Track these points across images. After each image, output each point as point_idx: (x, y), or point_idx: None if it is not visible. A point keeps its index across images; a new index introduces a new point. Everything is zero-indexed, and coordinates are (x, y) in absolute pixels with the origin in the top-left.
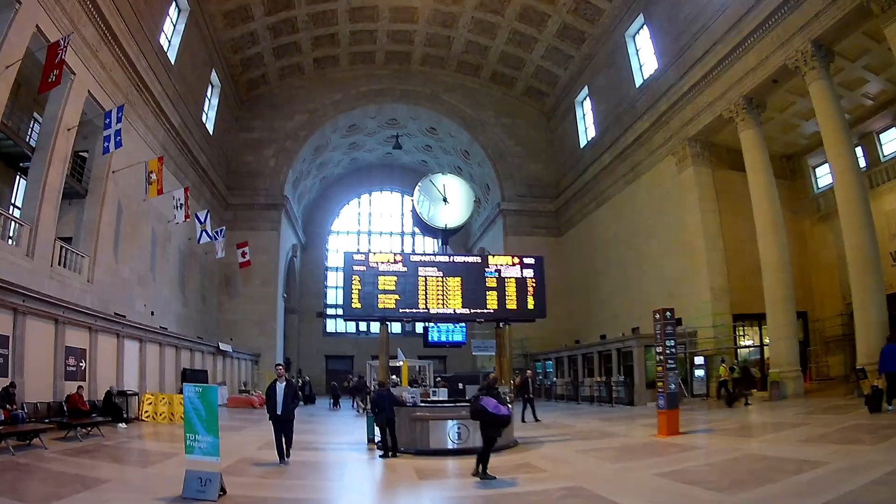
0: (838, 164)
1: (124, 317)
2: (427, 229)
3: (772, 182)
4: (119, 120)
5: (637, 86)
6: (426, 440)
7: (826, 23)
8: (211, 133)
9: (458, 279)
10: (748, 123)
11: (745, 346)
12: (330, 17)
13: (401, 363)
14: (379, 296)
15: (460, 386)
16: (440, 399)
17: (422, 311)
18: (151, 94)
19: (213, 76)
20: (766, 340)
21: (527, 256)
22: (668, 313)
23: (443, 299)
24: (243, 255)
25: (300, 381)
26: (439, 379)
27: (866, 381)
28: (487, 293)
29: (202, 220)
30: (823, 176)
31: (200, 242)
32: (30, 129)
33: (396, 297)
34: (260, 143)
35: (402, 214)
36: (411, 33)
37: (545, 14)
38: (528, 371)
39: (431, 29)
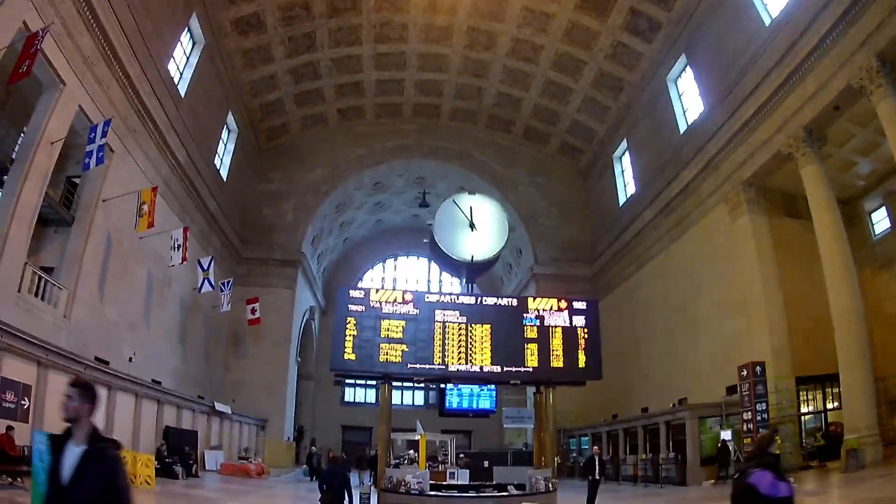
0: None
1: (108, 363)
2: (447, 263)
3: (839, 222)
4: (104, 135)
5: (681, 132)
6: None
7: (889, 33)
8: (225, 180)
9: (488, 327)
10: (809, 158)
11: (808, 412)
12: (354, 63)
13: (418, 437)
14: (381, 345)
15: (486, 465)
16: (459, 484)
17: (438, 367)
18: (155, 123)
19: (230, 119)
20: (831, 405)
21: (577, 299)
22: (757, 368)
23: (466, 353)
24: (253, 311)
25: (311, 452)
26: (462, 455)
27: None
28: (526, 346)
29: (205, 268)
30: (881, 221)
31: (201, 291)
32: (16, 144)
33: (404, 347)
34: (278, 195)
35: (429, 281)
36: (440, 83)
37: (581, 61)
38: (595, 448)
39: (461, 79)
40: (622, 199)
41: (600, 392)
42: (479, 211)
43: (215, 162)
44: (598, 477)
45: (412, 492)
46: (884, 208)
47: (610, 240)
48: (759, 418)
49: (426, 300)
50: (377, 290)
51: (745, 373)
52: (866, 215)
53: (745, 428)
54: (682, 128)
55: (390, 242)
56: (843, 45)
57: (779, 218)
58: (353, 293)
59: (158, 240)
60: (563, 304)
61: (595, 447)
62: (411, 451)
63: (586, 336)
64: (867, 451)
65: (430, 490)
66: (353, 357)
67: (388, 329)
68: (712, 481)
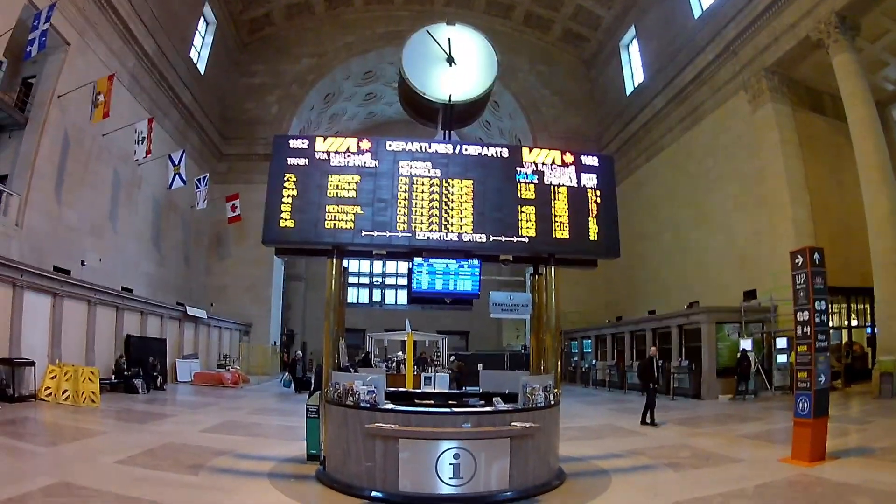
0: None
1: (69, 272)
2: (419, 108)
3: (876, 117)
4: (48, 20)
5: (696, 17)
6: (394, 476)
7: None
8: (203, 74)
9: (469, 184)
10: (842, 46)
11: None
12: None
13: (405, 337)
14: (328, 208)
15: (480, 368)
16: (431, 393)
17: (402, 235)
18: (116, 12)
19: (207, 10)
20: (855, 321)
21: (586, 153)
22: (816, 255)
23: (440, 217)
24: (233, 208)
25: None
26: (454, 358)
27: None
28: (521, 210)
29: (176, 162)
30: None
31: (172, 188)
32: None
33: (357, 209)
34: (262, 88)
35: None
36: None
37: None
38: (653, 348)
39: None
40: (629, 89)
41: (602, 292)
42: (459, 43)
43: (191, 55)
44: (655, 385)
45: (361, 405)
46: None
47: (616, 130)
48: (818, 320)
49: (388, 148)
50: (325, 139)
51: (800, 260)
52: (894, 123)
53: (800, 332)
54: (697, 12)
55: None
56: None
57: (804, 112)
58: (294, 143)
59: (125, 137)
60: (570, 157)
61: (653, 347)
62: (400, 353)
63: (599, 200)
64: None
65: (389, 401)
66: (291, 224)
67: (338, 187)
68: (730, 396)
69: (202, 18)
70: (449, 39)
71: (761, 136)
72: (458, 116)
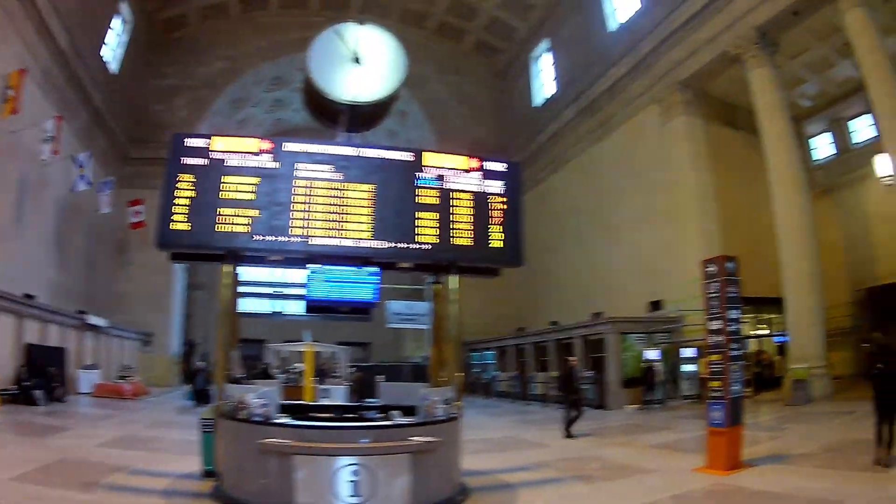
0: (886, 106)
1: None
2: (323, 109)
3: (790, 132)
4: None
5: (611, 30)
6: (290, 494)
7: None
8: (116, 73)
9: (370, 189)
10: (760, 61)
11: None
12: None
13: (304, 348)
14: (222, 211)
15: (381, 380)
16: (330, 406)
17: (297, 240)
18: (35, 5)
19: (124, 7)
20: (763, 332)
21: (493, 158)
22: (728, 264)
23: (339, 222)
24: (136, 214)
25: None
26: (354, 370)
27: None
28: (419, 216)
29: (80, 163)
30: (823, 147)
31: (76, 190)
32: None
33: (254, 213)
34: (172, 90)
35: None
36: None
37: None
38: (572, 358)
39: None
40: (539, 100)
41: (505, 302)
42: (368, 43)
43: (105, 54)
44: (576, 396)
45: (254, 418)
46: (829, 134)
47: (523, 141)
48: (731, 329)
49: (288, 150)
50: (223, 137)
51: (712, 269)
52: (806, 139)
53: (712, 341)
54: (613, 26)
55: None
56: None
57: (717, 125)
58: (191, 142)
59: (32, 136)
60: (475, 162)
61: (572, 358)
62: (299, 365)
63: (504, 207)
64: (815, 384)
65: (285, 414)
66: (185, 227)
67: (235, 188)
68: (636, 406)
69: (119, 16)
70: (357, 39)
71: (672, 148)
72: (362, 119)
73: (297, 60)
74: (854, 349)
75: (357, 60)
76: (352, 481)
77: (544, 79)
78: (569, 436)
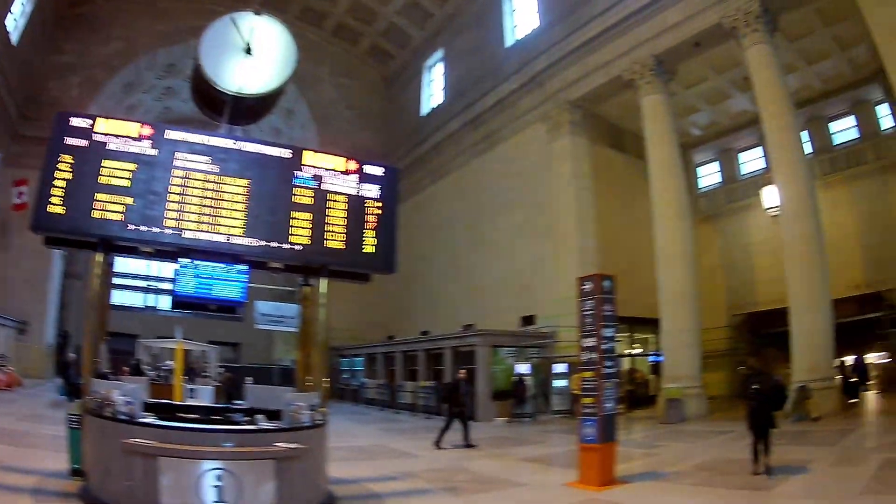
0: (778, 139)
1: None
2: (208, 99)
3: (677, 159)
4: None
5: (507, 46)
6: (154, 497)
7: None
8: (15, 46)
9: (245, 184)
10: (654, 88)
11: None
12: None
13: (174, 345)
14: (97, 195)
15: (250, 382)
16: (197, 406)
17: (169, 232)
18: None
19: None
20: (637, 350)
21: (371, 162)
22: (605, 282)
23: (212, 216)
24: (20, 195)
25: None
26: (224, 370)
27: (812, 400)
28: (294, 216)
29: None
30: (709, 175)
31: None
32: None
33: (129, 201)
34: (68, 68)
35: None
36: None
37: None
38: (462, 371)
39: None
40: (426, 110)
41: (378, 310)
42: (261, 35)
43: (8, 24)
44: (462, 409)
45: (119, 416)
46: (717, 163)
47: (406, 150)
48: (605, 347)
49: (168, 137)
50: (108, 119)
51: (588, 287)
52: (694, 167)
53: (586, 359)
54: (510, 42)
55: None
56: None
57: (603, 147)
58: (75, 121)
59: None
60: (353, 165)
61: (462, 370)
62: (170, 362)
63: (380, 212)
64: (690, 403)
65: (151, 414)
66: (61, 211)
67: (112, 174)
68: (506, 419)
69: None
70: (252, 30)
71: (555, 166)
72: (246, 111)
73: (191, 48)
74: (730, 371)
75: (248, 51)
76: (216, 486)
77: (434, 88)
78: (469, 444)
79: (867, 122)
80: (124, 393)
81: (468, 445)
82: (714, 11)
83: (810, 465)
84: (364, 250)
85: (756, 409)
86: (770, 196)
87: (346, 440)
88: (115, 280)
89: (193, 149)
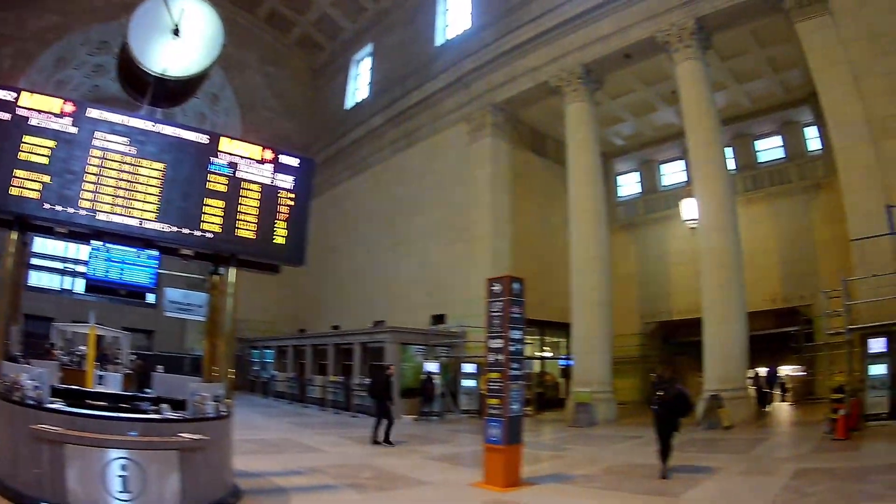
0: (701, 153)
1: None
2: (133, 79)
3: (597, 167)
4: None
5: (437, 45)
6: (62, 486)
7: (719, 5)
8: None
9: (161, 167)
10: (580, 95)
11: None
12: None
13: (87, 330)
14: (15, 172)
15: (161, 370)
16: (106, 394)
17: (84, 213)
18: None
19: None
20: (547, 353)
21: (288, 152)
22: (515, 284)
23: (126, 199)
24: None
25: None
26: (136, 358)
27: (724, 409)
28: (207, 203)
29: None
30: (629, 185)
31: None
32: None
33: (46, 179)
34: (0, 40)
35: None
36: None
37: None
38: (391, 367)
39: None
40: (350, 104)
41: (291, 302)
42: (191, 16)
43: None
44: (389, 404)
45: (27, 401)
46: (638, 174)
47: (327, 142)
48: (512, 349)
49: (88, 115)
50: (32, 94)
51: (497, 288)
52: (615, 176)
53: (492, 359)
54: (440, 41)
55: None
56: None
57: (524, 151)
58: (1, 94)
59: None
60: (269, 153)
61: (391, 366)
62: (83, 347)
63: (293, 203)
64: (599, 408)
65: (59, 399)
66: None
67: (32, 150)
68: (414, 416)
69: None
70: (183, 10)
71: (475, 167)
72: (167, 94)
73: (124, 26)
74: (641, 377)
75: (176, 32)
76: (122, 476)
77: (361, 83)
78: (377, 441)
79: (794, 143)
80: (33, 377)
81: (381, 441)
82: (648, 25)
83: (720, 473)
84: (274, 241)
85: (661, 416)
86: (689, 208)
87: (253, 433)
88: (33, 261)
89: (113, 129)
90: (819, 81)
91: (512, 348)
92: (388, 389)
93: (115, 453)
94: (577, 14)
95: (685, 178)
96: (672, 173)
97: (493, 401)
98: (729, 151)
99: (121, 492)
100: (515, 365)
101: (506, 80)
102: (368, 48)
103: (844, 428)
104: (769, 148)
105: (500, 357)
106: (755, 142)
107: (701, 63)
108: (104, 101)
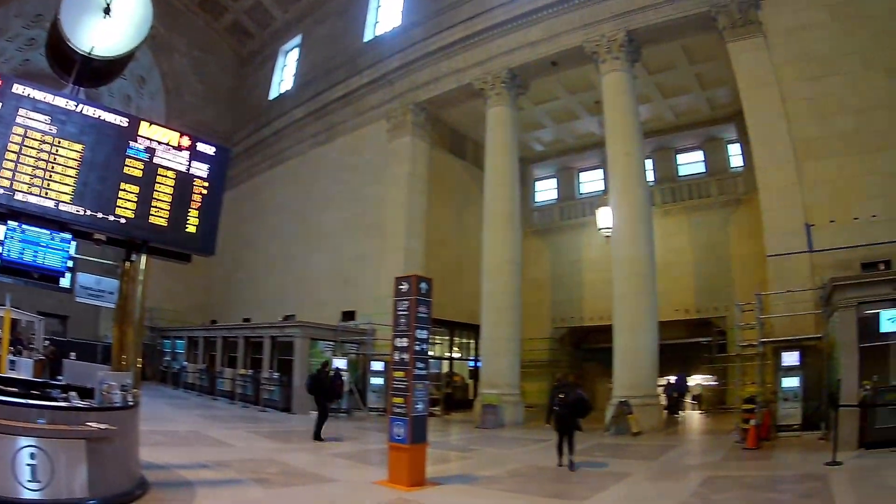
0: (620, 164)
1: None
2: (60, 56)
3: (514, 171)
4: None
5: (365, 41)
6: None
7: (652, 20)
8: None
9: (80, 148)
10: (503, 99)
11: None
12: None
13: (3, 314)
14: None
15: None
16: (17, 380)
17: (1, 191)
18: None
19: None
20: (454, 353)
21: (205, 140)
22: (423, 284)
23: (44, 179)
24: None
25: None
26: (48, 343)
27: (633, 415)
28: (123, 187)
29: None
30: (546, 191)
31: None
32: None
33: None
34: None
35: None
36: None
37: None
38: (342, 369)
39: None
40: (274, 94)
41: (203, 292)
42: None
43: None
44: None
45: None
46: (555, 180)
47: (248, 132)
48: (418, 348)
49: (14, 91)
50: None
51: (405, 287)
52: (533, 181)
53: (397, 358)
54: (368, 37)
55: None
56: (594, 11)
57: (443, 151)
58: None
59: None
60: (186, 140)
61: (328, 364)
62: None
63: (206, 192)
64: (507, 410)
65: None
66: None
67: None
68: None
69: None
70: None
71: (392, 165)
72: (92, 73)
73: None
74: (550, 381)
75: (107, 11)
76: (30, 465)
77: (286, 74)
78: (318, 438)
79: (716, 159)
80: None
81: (320, 438)
82: (578, 35)
83: (628, 478)
84: (186, 230)
85: (562, 416)
86: (605, 217)
87: (162, 425)
88: None
89: (37, 106)
90: (746, 101)
91: (417, 347)
92: (331, 387)
93: (24, 441)
94: (508, 19)
95: (603, 187)
96: (590, 181)
97: (398, 399)
98: (649, 163)
99: (30, 480)
100: (421, 364)
101: (430, 80)
102: (297, 39)
103: (755, 437)
104: (690, 162)
105: (405, 356)
106: (677, 155)
107: (628, 75)
108: (32, 77)
